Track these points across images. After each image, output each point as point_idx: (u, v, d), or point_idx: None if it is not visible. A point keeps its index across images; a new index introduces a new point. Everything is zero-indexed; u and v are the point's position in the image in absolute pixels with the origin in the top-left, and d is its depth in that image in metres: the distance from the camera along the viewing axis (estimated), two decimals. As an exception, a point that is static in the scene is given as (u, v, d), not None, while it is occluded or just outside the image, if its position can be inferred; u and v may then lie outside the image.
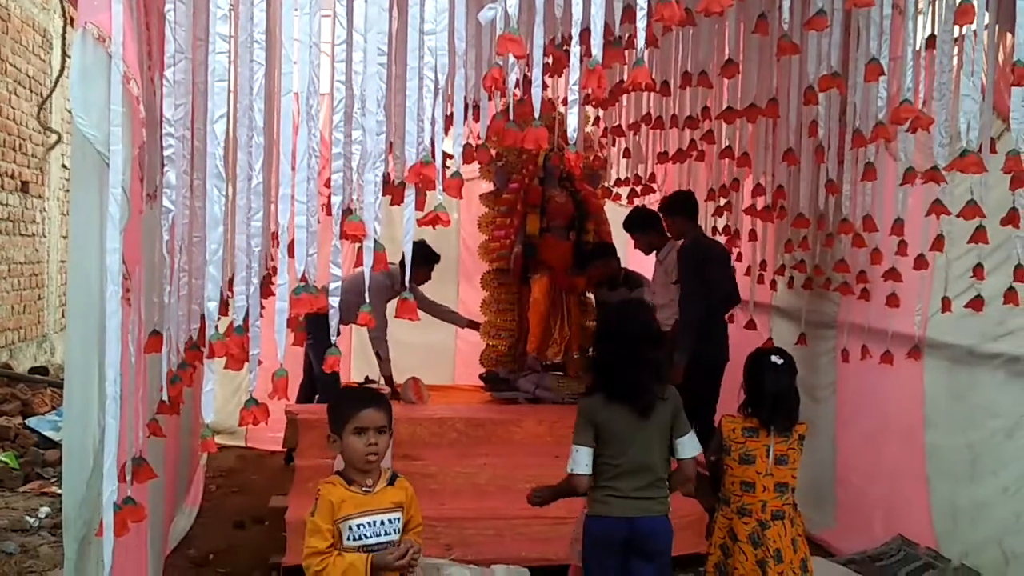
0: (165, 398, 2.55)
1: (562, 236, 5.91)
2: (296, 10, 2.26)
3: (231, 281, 2.59)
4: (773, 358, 3.49)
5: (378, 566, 2.63)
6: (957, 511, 4.46)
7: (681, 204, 5.49)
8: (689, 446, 3.20)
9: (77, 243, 2.31)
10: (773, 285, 5.44)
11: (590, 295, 6.09)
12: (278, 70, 2.29)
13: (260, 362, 2.47)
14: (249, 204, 2.33)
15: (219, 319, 2.47)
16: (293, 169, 2.32)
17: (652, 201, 6.06)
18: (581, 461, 3.11)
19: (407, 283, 2.67)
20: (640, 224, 5.76)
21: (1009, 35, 3.21)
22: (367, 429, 2.69)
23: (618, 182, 6.15)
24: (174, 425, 3.67)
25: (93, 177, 2.16)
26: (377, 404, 2.77)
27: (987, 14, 3.11)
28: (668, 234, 5.64)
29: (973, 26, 2.91)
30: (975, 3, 2.82)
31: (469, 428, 5.21)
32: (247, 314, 2.43)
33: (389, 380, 5.82)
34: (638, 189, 5.88)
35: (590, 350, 5.74)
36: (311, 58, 2.27)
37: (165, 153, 2.33)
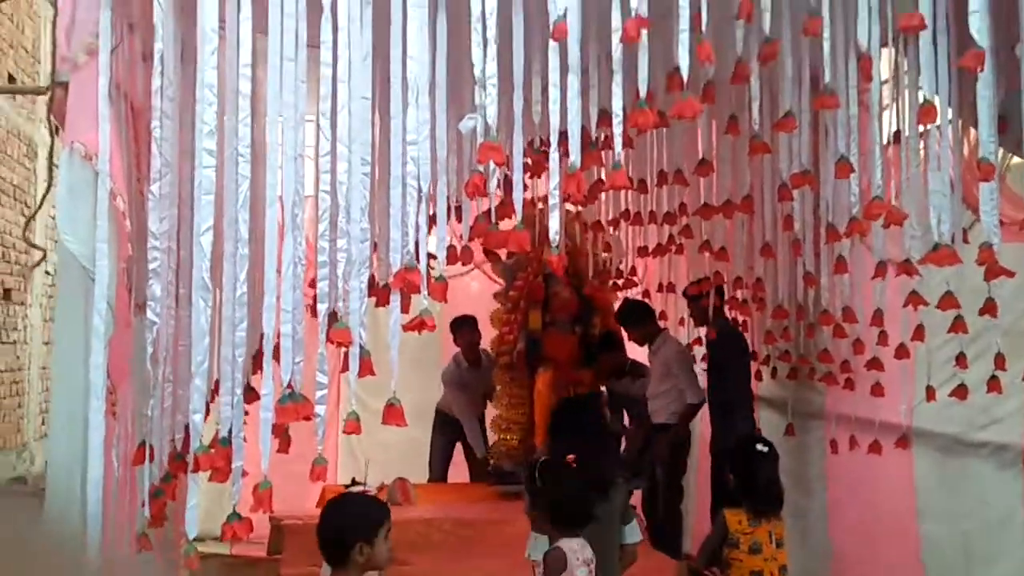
0: (147, 514, 2.50)
1: (566, 330, 6.06)
2: (281, 117, 2.31)
3: (214, 391, 2.57)
4: (759, 447, 3.63)
5: None
6: (956, 603, 4.38)
7: (634, 314, 5.85)
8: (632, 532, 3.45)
9: (61, 357, 2.31)
10: (758, 375, 5.45)
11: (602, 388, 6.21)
12: (263, 179, 2.33)
13: (245, 473, 2.44)
14: (234, 314, 2.33)
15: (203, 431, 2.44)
16: (279, 275, 2.33)
17: (636, 292, 6.16)
18: (541, 548, 3.17)
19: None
20: (634, 317, 5.93)
21: (973, 130, 3.33)
22: (389, 532, 2.68)
23: (599, 275, 6.24)
24: (158, 537, 3.59)
25: (78, 291, 2.17)
26: None
27: (950, 110, 3.22)
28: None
29: (937, 123, 3.02)
30: (937, 102, 2.94)
31: (458, 528, 5.12)
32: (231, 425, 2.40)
33: (479, 446, 6.47)
34: (620, 283, 5.99)
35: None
36: (296, 168, 2.31)
37: (150, 266, 2.34)
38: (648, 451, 5.87)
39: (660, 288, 5.77)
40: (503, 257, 6.02)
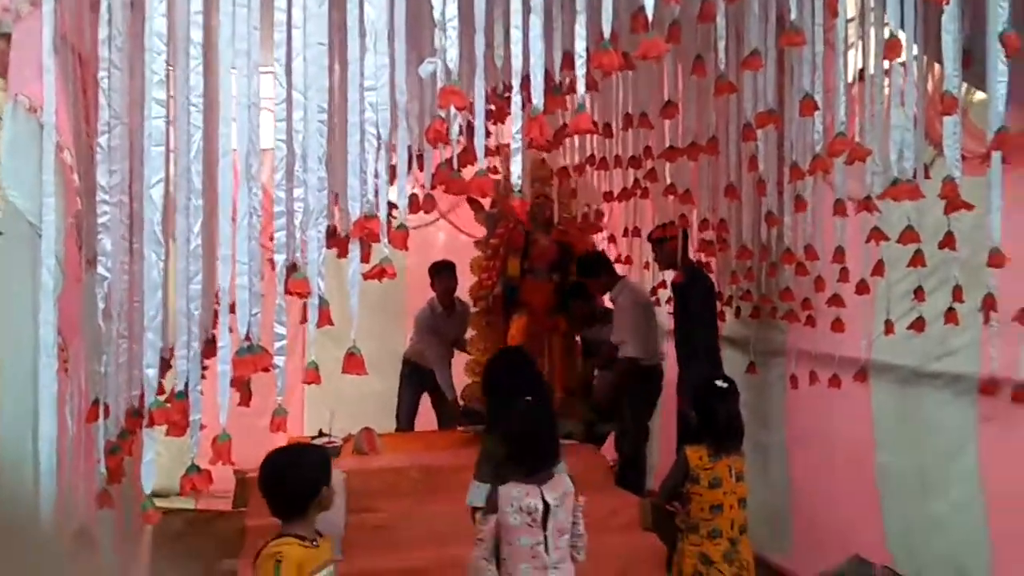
0: (103, 469, 2.46)
1: (543, 278, 6.15)
2: (234, 69, 2.23)
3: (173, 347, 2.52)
4: (718, 383, 3.68)
5: None
6: (910, 530, 4.52)
7: (589, 266, 5.95)
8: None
9: (9, 314, 2.23)
10: (722, 315, 5.50)
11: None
12: (216, 130, 2.25)
13: (203, 427, 2.40)
14: (188, 267, 2.27)
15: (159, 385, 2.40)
16: (234, 228, 2.26)
17: (602, 237, 6.25)
18: (480, 495, 3.25)
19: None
20: (590, 269, 6.01)
21: (937, 65, 3.32)
22: None
23: (565, 220, 6.23)
24: (119, 493, 3.55)
25: (25, 247, 2.09)
26: None
27: (915, 46, 3.21)
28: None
29: (902, 58, 3.00)
30: (902, 37, 2.92)
31: (425, 476, 5.11)
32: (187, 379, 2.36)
33: (449, 388, 6.47)
34: (585, 228, 5.99)
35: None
36: (250, 117, 2.23)
37: (100, 220, 2.27)
38: (620, 394, 5.94)
39: (625, 232, 5.78)
40: (486, 206, 6.07)
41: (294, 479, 2.73)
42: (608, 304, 6.21)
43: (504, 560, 3.13)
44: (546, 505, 3.12)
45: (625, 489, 5.48)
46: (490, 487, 3.18)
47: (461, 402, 6.30)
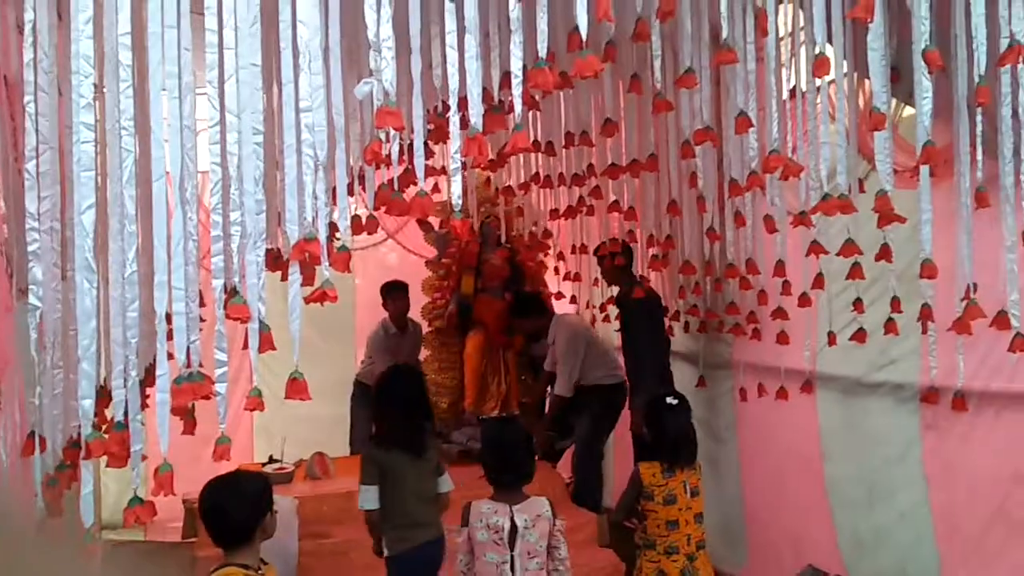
0: (40, 504, 2.39)
1: (497, 296, 6.23)
2: (164, 91, 2.20)
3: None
4: (668, 400, 3.71)
5: None
6: (861, 539, 4.57)
7: (521, 309, 6.04)
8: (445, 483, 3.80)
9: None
10: (670, 331, 5.55)
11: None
12: (149, 154, 2.22)
13: (145, 457, 2.35)
14: (124, 295, 2.23)
15: (96, 416, 2.34)
16: (169, 254, 2.23)
17: (550, 255, 6.26)
18: (369, 498, 3.68)
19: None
20: (522, 312, 6.09)
21: (867, 81, 3.41)
22: None
23: (512, 239, 6.28)
24: (63, 528, 3.46)
25: (-49, 278, 2.03)
26: None
27: (845, 63, 3.29)
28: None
29: (832, 76, 3.07)
30: (831, 54, 2.99)
31: (378, 499, 5.06)
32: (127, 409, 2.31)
33: None
34: (532, 246, 6.05)
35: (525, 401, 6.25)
36: (183, 139, 2.21)
37: (30, 248, 2.22)
38: (573, 411, 5.96)
39: (573, 250, 5.81)
40: (435, 226, 6.09)
41: (235, 508, 2.68)
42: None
43: (476, 574, 3.22)
44: (514, 526, 3.17)
45: (581, 507, 5.49)
46: (377, 491, 3.64)
47: None
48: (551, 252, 6.17)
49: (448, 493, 3.84)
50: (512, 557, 3.14)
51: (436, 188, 3.87)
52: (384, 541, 3.77)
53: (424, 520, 3.74)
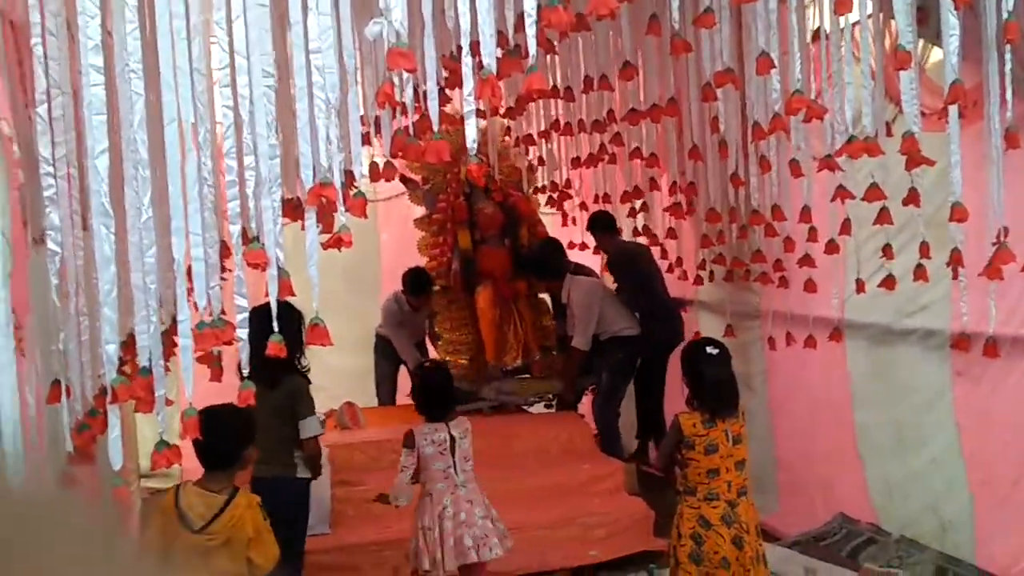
0: (70, 448, 2.44)
1: (497, 245, 6.09)
2: (172, 35, 2.18)
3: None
4: (708, 349, 3.68)
5: None
6: (892, 485, 4.56)
7: (597, 222, 5.97)
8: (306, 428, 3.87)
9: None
10: (697, 280, 5.52)
11: (543, 295, 6.34)
12: (158, 99, 2.20)
13: (170, 402, 2.39)
14: (141, 240, 2.24)
15: (123, 361, 2.38)
16: (184, 199, 2.23)
17: (571, 207, 6.18)
18: (317, 426, 3.93)
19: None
20: (538, 272, 6.10)
21: (894, 22, 3.31)
22: None
23: (536, 190, 6.20)
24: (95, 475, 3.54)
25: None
26: None
27: (870, 4, 3.19)
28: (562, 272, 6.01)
29: (856, 16, 2.99)
30: (856, -7, 2.90)
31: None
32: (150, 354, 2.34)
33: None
34: (555, 195, 5.97)
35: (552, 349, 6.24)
36: (194, 84, 2.20)
37: (46, 194, 2.23)
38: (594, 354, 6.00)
39: (596, 199, 5.76)
40: (420, 183, 6.02)
41: (212, 435, 2.73)
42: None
43: (424, 484, 3.95)
44: (452, 438, 3.94)
45: (610, 456, 5.53)
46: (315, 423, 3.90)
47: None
48: (561, 199, 6.04)
49: (312, 439, 3.86)
50: (454, 462, 3.93)
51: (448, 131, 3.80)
52: None
53: (261, 458, 3.52)
